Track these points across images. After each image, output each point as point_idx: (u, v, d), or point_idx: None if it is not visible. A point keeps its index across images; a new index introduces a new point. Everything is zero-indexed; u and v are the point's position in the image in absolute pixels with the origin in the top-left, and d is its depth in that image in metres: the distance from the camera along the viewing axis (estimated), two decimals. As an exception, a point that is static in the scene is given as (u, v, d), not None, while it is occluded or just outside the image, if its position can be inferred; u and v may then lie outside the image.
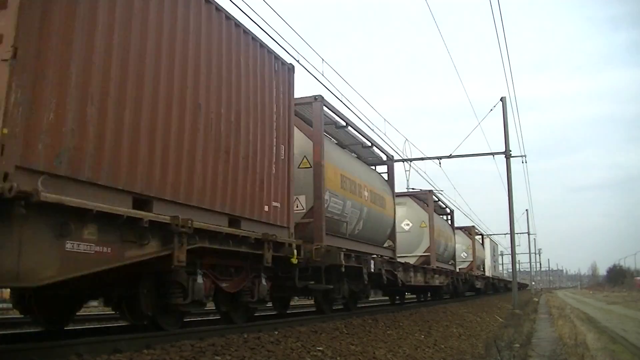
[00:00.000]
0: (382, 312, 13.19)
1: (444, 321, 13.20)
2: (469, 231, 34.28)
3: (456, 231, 30.43)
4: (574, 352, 9.45)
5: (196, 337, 6.44)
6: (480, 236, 39.53)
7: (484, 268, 38.45)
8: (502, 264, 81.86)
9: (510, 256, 29.67)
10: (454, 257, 26.06)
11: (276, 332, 7.54)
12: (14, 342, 6.20)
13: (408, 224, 20.39)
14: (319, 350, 6.96)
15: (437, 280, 20.09)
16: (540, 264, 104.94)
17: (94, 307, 24.96)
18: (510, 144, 23.62)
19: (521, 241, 57.79)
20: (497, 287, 44.65)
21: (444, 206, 26.45)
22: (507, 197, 23.85)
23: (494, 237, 63.40)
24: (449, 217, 28.01)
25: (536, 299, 43.28)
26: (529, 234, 63.61)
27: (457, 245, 29.73)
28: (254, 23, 10.24)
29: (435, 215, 22.21)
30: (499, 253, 78.04)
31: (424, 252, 20.31)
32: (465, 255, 32.31)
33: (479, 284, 31.56)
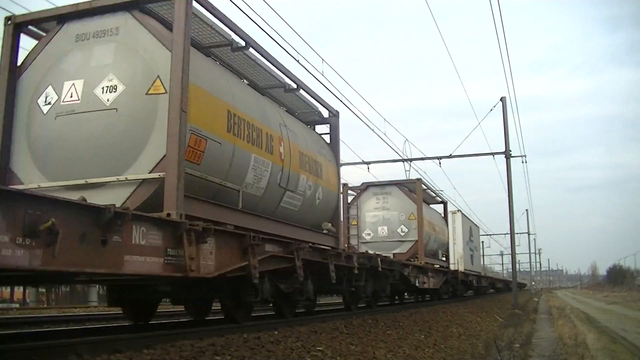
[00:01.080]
0: (382, 312, 13.20)
1: (444, 321, 13.21)
2: (414, 190, 19.79)
3: (389, 188, 19.86)
4: (574, 352, 9.45)
5: (196, 337, 6.44)
6: (441, 205, 25.44)
7: (447, 257, 24.40)
8: (502, 263, 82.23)
9: (510, 256, 29.14)
10: (336, 221, 11.26)
11: (276, 332, 7.54)
12: (14, 342, 6.19)
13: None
14: (319, 350, 6.96)
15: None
16: (540, 264, 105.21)
17: (94, 307, 24.98)
18: (510, 144, 23.66)
19: (521, 241, 57.54)
20: (478, 287, 32.35)
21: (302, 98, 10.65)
22: (507, 197, 23.93)
23: (489, 234, 63.44)
24: (329, 136, 11.84)
25: (536, 299, 43.31)
26: (529, 234, 63.72)
27: (391, 213, 19.42)
28: (254, 23, 10.25)
29: (244, 88, 8.74)
30: (500, 251, 78.12)
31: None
32: (406, 230, 19.43)
33: (425, 282, 17.72)
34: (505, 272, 78.02)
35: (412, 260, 18.31)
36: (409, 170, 24.31)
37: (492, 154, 23.82)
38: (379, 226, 19.65)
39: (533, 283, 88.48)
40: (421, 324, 11.76)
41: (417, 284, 16.86)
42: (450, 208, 26.26)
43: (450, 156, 23.39)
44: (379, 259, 12.87)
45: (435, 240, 22.10)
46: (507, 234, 41.67)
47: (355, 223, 19.59)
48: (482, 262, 38.91)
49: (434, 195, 23.91)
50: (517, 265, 40.05)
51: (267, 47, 9.00)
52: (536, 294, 63.34)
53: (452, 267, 24.42)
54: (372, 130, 19.03)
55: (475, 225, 34.37)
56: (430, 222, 21.23)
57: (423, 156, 23.93)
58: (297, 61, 11.93)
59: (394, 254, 18.38)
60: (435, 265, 20.70)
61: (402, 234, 19.46)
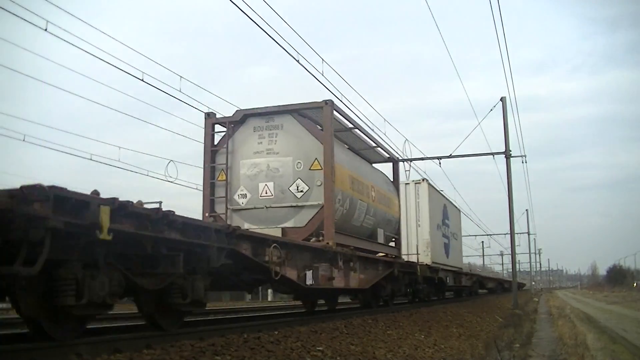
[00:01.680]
0: (382, 312, 13.19)
1: (444, 321, 13.22)
2: (320, 123, 11.27)
3: (280, 118, 11.14)
4: (574, 352, 9.46)
5: (196, 337, 6.44)
6: (390, 163, 16.16)
7: (398, 242, 15.78)
8: (502, 263, 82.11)
9: (510, 256, 28.99)
10: None
11: (276, 332, 7.54)
12: (15, 342, 6.19)
13: None
14: (319, 350, 6.96)
15: None
16: (540, 264, 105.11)
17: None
18: (510, 144, 23.62)
19: (521, 241, 57.38)
20: (459, 288, 26.32)
21: None
22: (507, 197, 23.93)
23: (491, 235, 63.18)
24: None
25: (536, 299, 43.30)
26: (529, 234, 63.71)
27: (282, 160, 10.85)
28: (254, 23, 10.22)
29: None
30: (500, 251, 77.95)
31: None
32: (306, 188, 10.77)
33: (335, 277, 10.22)
34: (505, 272, 77.95)
35: (313, 239, 10.54)
36: (409, 171, 24.16)
37: (492, 154, 23.80)
38: (261, 182, 11.22)
39: (533, 283, 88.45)
40: (421, 324, 11.76)
41: (306, 282, 9.18)
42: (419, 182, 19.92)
43: (450, 156, 23.33)
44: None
45: (370, 213, 13.19)
46: (507, 234, 41.18)
47: (224, 178, 11.42)
48: (481, 260, 32.55)
49: (374, 144, 14.44)
50: (517, 265, 39.24)
51: (267, 46, 8.92)
52: (536, 294, 63.37)
53: (409, 258, 17.07)
54: (372, 130, 18.99)
55: (455, 206, 26.02)
56: (357, 180, 12.49)
57: (423, 156, 23.85)
58: (297, 61, 11.92)
59: (284, 228, 10.74)
60: (380, 253, 13.62)
61: (300, 194, 10.95)
